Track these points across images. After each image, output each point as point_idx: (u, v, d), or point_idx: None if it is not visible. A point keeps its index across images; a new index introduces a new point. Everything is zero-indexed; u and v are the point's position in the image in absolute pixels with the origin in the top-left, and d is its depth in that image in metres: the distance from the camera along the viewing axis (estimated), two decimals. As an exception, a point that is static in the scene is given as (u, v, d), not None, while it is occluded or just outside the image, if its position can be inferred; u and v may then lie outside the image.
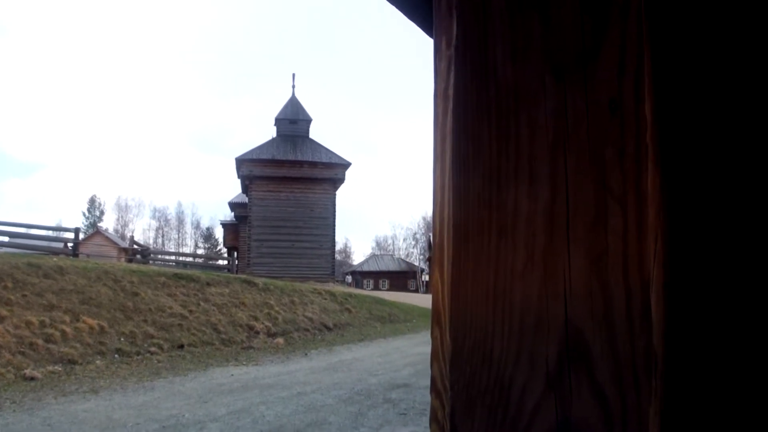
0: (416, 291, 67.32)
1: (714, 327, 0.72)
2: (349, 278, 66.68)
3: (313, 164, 43.97)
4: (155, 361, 13.25)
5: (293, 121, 46.13)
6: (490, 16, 0.84)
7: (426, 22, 1.57)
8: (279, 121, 46.43)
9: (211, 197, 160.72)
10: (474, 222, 0.82)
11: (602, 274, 0.76)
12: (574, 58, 0.80)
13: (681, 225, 0.74)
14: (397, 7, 1.25)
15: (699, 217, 0.73)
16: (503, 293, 0.79)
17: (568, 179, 0.79)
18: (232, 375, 12.24)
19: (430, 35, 1.78)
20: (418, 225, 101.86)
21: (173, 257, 51.49)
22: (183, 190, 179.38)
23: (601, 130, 0.78)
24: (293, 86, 47.78)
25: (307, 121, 46.81)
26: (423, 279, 77.98)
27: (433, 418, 0.87)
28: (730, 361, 0.71)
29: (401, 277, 74.84)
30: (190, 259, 55.31)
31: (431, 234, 0.93)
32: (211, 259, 64.01)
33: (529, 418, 0.77)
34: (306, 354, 15.79)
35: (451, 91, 0.85)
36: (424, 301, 34.60)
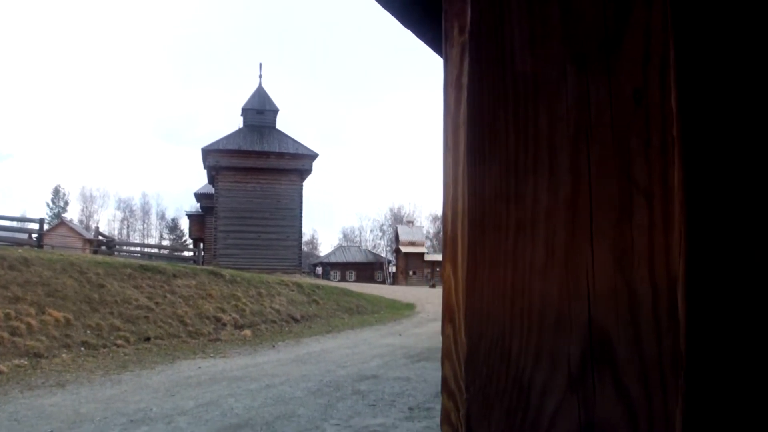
0: (383, 282, 67.50)
1: (740, 325, 0.70)
2: (319, 269, 66.23)
3: (280, 155, 43.82)
4: (122, 354, 13.10)
5: (260, 112, 45.89)
6: (506, 1, 0.81)
7: (403, 14, 1.55)
8: (246, 111, 46.15)
9: (176, 188, 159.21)
10: (491, 216, 0.79)
11: (627, 272, 0.73)
12: (596, 45, 0.77)
13: (707, 220, 0.72)
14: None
15: (726, 211, 0.72)
16: (522, 290, 0.77)
17: (591, 171, 0.76)
18: (200, 368, 12.12)
19: (406, 26, 1.74)
20: (386, 216, 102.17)
21: (139, 248, 50.87)
22: (148, 180, 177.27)
23: (625, 120, 0.75)
24: (260, 76, 47.77)
25: (274, 111, 46.59)
26: (390, 270, 78.21)
27: (446, 420, 0.84)
28: (757, 359, 0.69)
29: (368, 269, 74.86)
30: (155, 250, 54.63)
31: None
32: (176, 250, 63.38)
33: (549, 420, 0.74)
34: (274, 346, 15.72)
35: (465, 80, 0.81)
36: (391, 292, 34.72)
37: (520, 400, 0.75)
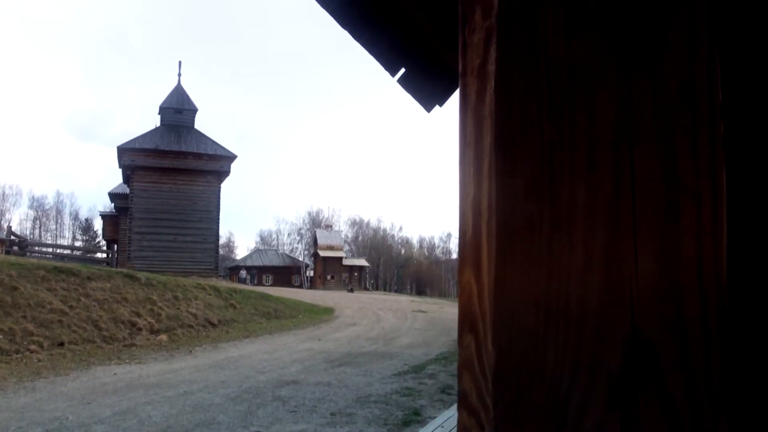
0: (300, 286, 67.01)
1: None
2: (243, 273, 64.52)
3: (198, 156, 43.09)
4: (35, 360, 12.61)
5: (178, 111, 45.02)
6: None
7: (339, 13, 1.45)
8: (163, 110, 45.19)
9: (91, 187, 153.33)
10: (522, 216, 0.74)
11: (674, 278, 0.69)
12: (639, 36, 0.73)
13: (755, 222, 0.70)
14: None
15: None
16: (558, 297, 0.72)
17: (635, 170, 0.71)
18: (115, 374, 11.78)
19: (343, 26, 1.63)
20: (304, 220, 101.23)
21: (51, 249, 48.96)
22: (62, 179, 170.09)
23: (670, 117, 0.71)
24: (179, 74, 46.58)
25: (193, 111, 45.79)
26: (308, 274, 77.73)
27: None
28: None
29: (285, 273, 74.20)
30: (68, 251, 52.60)
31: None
32: (90, 251, 61.20)
33: (588, 439, 0.70)
34: (191, 351, 15.44)
35: (492, 68, 0.76)
36: (309, 296, 34.61)
37: (555, 417, 0.71)
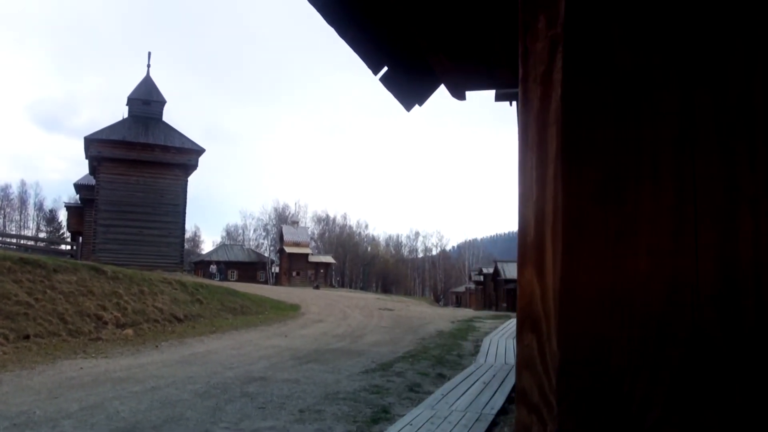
0: (265, 282, 66.61)
1: None
2: (213, 267, 63.25)
3: (166, 148, 42.63)
4: (1, 353, 12.38)
5: (146, 102, 44.48)
6: None
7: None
8: (131, 101, 44.60)
9: (56, 178, 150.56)
10: (589, 220, 0.75)
11: (733, 282, 0.71)
12: (701, 51, 0.75)
13: None
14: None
15: None
16: (622, 298, 0.74)
17: (696, 178, 0.74)
18: (82, 368, 11.62)
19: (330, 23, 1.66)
20: (270, 216, 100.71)
21: (15, 240, 48.00)
22: (27, 168, 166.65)
23: (730, 127, 0.73)
24: (148, 65, 46.00)
25: (161, 102, 45.26)
26: (273, 270, 77.29)
27: None
28: None
29: (251, 268, 73.65)
30: (32, 242, 51.62)
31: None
32: (54, 243, 60.16)
33: (650, 435, 0.73)
34: (157, 346, 15.27)
35: (558, 76, 0.78)
36: (275, 293, 34.41)
37: (618, 414, 0.72)
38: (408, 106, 2.72)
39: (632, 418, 0.71)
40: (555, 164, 0.77)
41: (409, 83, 2.60)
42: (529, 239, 0.79)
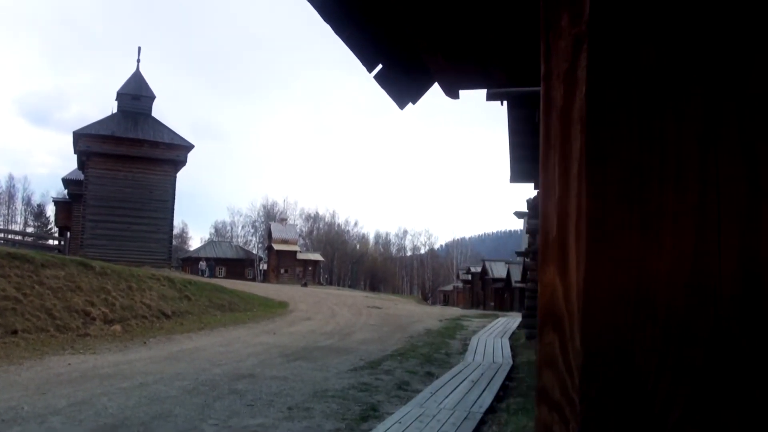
0: (254, 280, 66.37)
1: None
2: (203, 264, 62.72)
3: (155, 144, 42.47)
4: (-12, 348, 12.33)
5: (136, 97, 44.25)
6: None
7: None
8: (121, 96, 44.35)
9: (44, 172, 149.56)
10: (612, 218, 0.76)
11: (755, 278, 0.72)
12: (725, 50, 0.75)
13: None
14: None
15: None
16: (646, 297, 0.74)
17: (719, 177, 0.74)
18: (70, 364, 11.57)
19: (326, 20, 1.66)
20: (258, 213, 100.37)
21: (2, 235, 47.70)
22: (15, 162, 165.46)
23: (753, 128, 0.74)
24: (138, 60, 45.76)
25: (151, 98, 45.05)
26: (261, 268, 77.07)
27: None
28: None
29: (239, 265, 73.38)
30: (19, 237, 51.31)
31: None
32: (42, 238, 59.81)
33: (673, 433, 0.73)
34: (145, 342, 15.23)
35: (582, 74, 0.78)
36: (263, 290, 34.33)
37: (640, 412, 0.73)
38: (401, 104, 2.73)
39: (655, 417, 0.72)
40: (579, 162, 0.77)
41: (404, 81, 2.60)
42: (551, 238, 0.80)
